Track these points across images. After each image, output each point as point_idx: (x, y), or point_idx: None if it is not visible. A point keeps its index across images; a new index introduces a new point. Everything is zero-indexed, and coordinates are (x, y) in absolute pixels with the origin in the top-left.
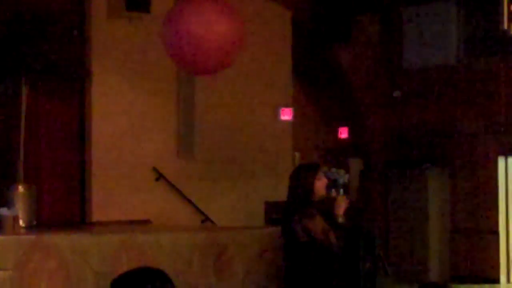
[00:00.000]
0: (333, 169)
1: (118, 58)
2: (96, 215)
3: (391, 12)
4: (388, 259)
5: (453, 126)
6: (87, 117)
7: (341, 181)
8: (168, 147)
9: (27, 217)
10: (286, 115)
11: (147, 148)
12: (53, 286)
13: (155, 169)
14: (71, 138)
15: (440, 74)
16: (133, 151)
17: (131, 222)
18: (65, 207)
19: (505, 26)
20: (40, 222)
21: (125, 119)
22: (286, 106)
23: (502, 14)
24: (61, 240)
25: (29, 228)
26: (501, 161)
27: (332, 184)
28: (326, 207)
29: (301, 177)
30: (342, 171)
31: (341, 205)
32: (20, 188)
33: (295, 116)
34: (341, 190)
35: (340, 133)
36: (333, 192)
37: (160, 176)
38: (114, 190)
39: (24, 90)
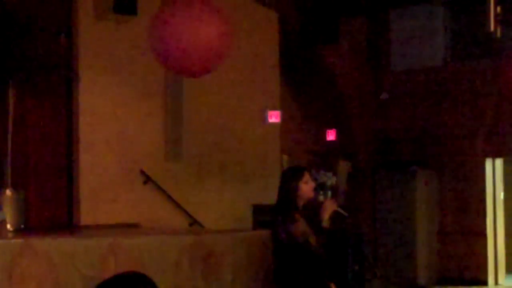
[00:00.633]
0: (321, 172)
1: (105, 60)
2: (84, 219)
3: (378, 14)
4: (376, 261)
5: (441, 128)
6: (74, 120)
7: (329, 183)
8: (156, 150)
9: (14, 221)
10: (274, 117)
11: (135, 151)
12: None
13: (143, 172)
14: (59, 141)
15: (427, 76)
16: (121, 154)
17: (119, 226)
18: (53, 210)
19: (491, 28)
20: (28, 226)
21: (113, 122)
22: (274, 108)
23: (489, 16)
24: (49, 244)
25: (17, 232)
26: (488, 163)
27: (320, 186)
28: (313, 210)
29: (287, 181)
30: (330, 174)
31: (327, 209)
32: (8, 192)
33: (283, 119)
34: (329, 193)
35: (328, 136)
36: (321, 195)
37: (148, 179)
38: (102, 193)
39: (11, 93)
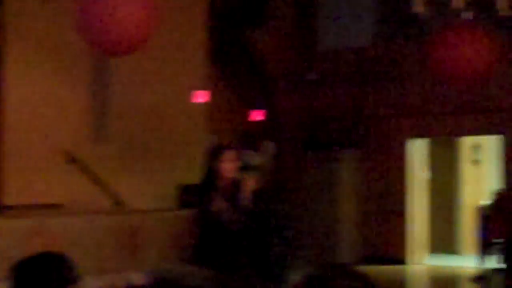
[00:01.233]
0: (247, 152)
1: (32, 40)
2: (9, 199)
3: None
4: (300, 241)
5: (367, 108)
6: (1, 99)
7: (254, 163)
8: (81, 130)
9: None
10: (201, 97)
11: (60, 131)
12: None
13: (68, 152)
14: None
15: (355, 56)
16: (47, 134)
17: (45, 206)
18: None
19: (418, 9)
20: None
21: (40, 102)
22: (201, 88)
23: None
24: None
25: None
26: (411, 144)
27: (245, 166)
28: (237, 189)
29: (208, 160)
30: (255, 154)
31: (246, 188)
32: None
33: (211, 99)
34: (252, 173)
35: (256, 116)
36: (245, 175)
37: (73, 160)
38: (28, 173)
39: None
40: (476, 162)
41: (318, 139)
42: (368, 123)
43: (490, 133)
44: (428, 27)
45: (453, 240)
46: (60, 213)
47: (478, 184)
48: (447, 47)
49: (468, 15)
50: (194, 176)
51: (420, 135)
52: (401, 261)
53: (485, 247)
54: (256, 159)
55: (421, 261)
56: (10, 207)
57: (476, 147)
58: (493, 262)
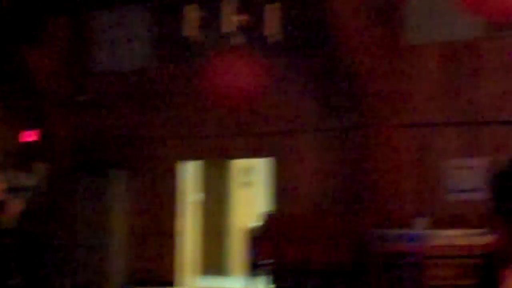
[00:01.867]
0: (16, 173)
1: None
2: None
3: (82, 15)
4: (71, 267)
5: (139, 130)
6: None
7: (23, 184)
8: None
9: None
10: None
11: None
12: None
13: None
14: None
15: (131, 79)
16: None
17: None
18: None
19: (189, 32)
20: None
21: None
22: None
23: (187, 21)
24: None
25: None
26: (181, 166)
27: (13, 188)
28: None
29: None
30: (25, 175)
31: (10, 210)
32: None
33: None
34: (21, 194)
35: (29, 136)
36: (10, 196)
37: None
38: None
39: None
40: (247, 184)
41: (91, 160)
42: (140, 144)
43: (260, 156)
44: (200, 50)
45: (223, 261)
46: None
47: (249, 206)
48: (217, 71)
49: (239, 39)
50: None
51: (192, 157)
52: (171, 283)
53: (254, 268)
54: (25, 180)
55: (192, 283)
56: None
57: (248, 170)
58: (262, 283)
